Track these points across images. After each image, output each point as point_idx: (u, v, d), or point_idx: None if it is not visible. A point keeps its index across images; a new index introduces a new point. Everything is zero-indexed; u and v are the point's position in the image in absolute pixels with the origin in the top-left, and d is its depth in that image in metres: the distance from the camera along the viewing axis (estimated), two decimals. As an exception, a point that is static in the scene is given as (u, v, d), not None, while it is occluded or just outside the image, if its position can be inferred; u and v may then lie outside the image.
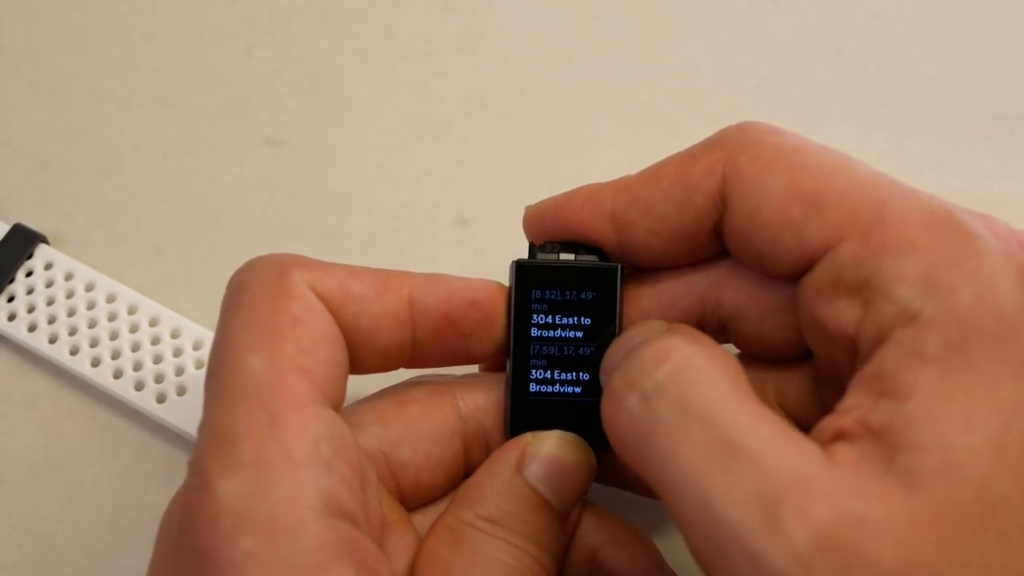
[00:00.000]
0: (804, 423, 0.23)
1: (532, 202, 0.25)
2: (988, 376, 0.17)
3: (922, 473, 0.16)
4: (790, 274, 0.21)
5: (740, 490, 0.17)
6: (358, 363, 0.22)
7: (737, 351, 0.24)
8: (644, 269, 0.24)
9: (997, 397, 0.17)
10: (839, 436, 0.18)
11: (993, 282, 0.18)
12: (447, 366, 0.24)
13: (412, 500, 0.23)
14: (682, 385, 0.18)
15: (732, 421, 0.17)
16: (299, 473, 0.19)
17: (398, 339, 0.23)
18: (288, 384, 0.19)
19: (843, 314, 0.19)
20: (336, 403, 0.21)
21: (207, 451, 0.19)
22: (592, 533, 0.24)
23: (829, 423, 0.18)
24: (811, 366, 0.23)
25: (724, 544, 0.16)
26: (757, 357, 0.24)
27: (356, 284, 0.22)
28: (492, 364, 0.26)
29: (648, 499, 0.25)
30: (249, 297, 0.21)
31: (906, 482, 0.16)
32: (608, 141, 0.34)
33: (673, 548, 0.28)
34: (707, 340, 0.20)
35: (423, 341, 0.23)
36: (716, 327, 0.24)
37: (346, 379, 0.21)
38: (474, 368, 0.26)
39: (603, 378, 0.22)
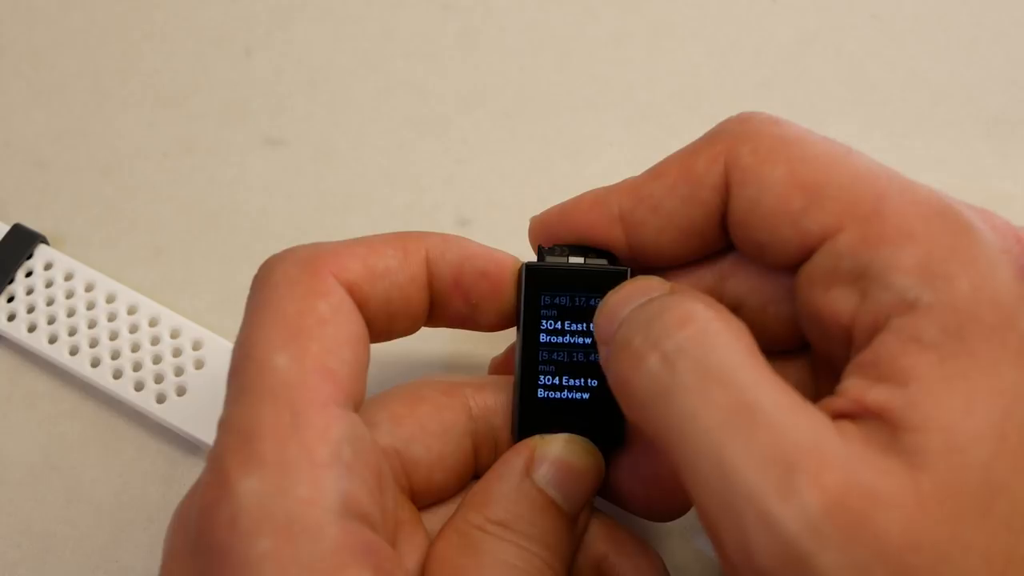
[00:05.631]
0: None
1: (532, 202, 0.25)
2: (987, 363, 0.17)
3: (926, 453, 0.17)
4: (789, 264, 0.21)
5: (757, 452, 0.17)
6: (393, 331, 0.23)
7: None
8: (653, 269, 0.24)
9: (996, 384, 0.17)
10: (839, 416, 0.18)
11: (991, 272, 0.18)
12: (459, 328, 0.24)
13: (423, 499, 0.23)
14: (703, 348, 0.18)
15: (751, 385, 0.17)
16: (319, 475, 0.18)
17: (425, 300, 0.23)
18: (312, 384, 0.19)
19: (839, 303, 0.19)
20: (357, 403, 0.21)
21: (227, 448, 0.19)
22: (599, 541, 0.24)
23: (825, 406, 0.18)
24: (809, 358, 0.23)
25: (736, 505, 0.17)
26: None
27: (379, 259, 0.22)
28: (502, 367, 0.26)
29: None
30: (276, 295, 0.21)
31: (911, 461, 0.17)
32: (608, 141, 0.34)
33: (677, 558, 0.28)
34: (723, 307, 0.20)
35: (435, 302, 0.23)
36: None
37: (366, 379, 0.22)
38: (483, 369, 0.27)
39: (602, 330, 0.21)
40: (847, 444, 0.17)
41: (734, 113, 0.22)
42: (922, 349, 0.17)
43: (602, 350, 0.21)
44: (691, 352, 0.18)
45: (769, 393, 0.17)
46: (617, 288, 0.22)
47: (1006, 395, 0.17)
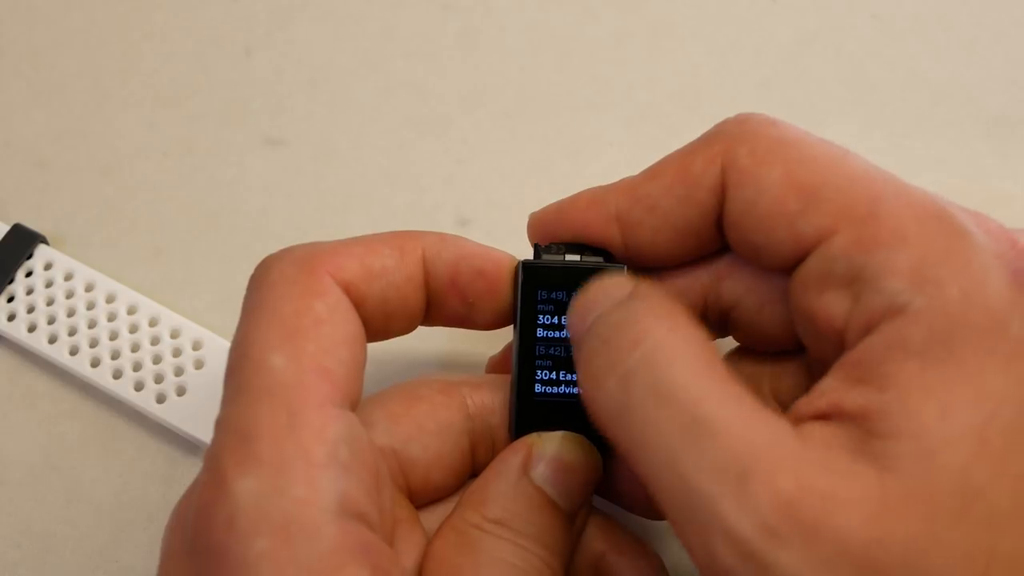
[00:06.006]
0: None
1: (532, 202, 0.25)
2: (972, 368, 0.17)
3: (895, 457, 0.17)
4: (785, 266, 0.21)
5: (711, 462, 0.17)
6: (390, 330, 0.23)
7: (737, 343, 0.25)
8: (649, 269, 0.24)
9: (981, 388, 0.17)
10: (815, 417, 0.18)
11: (983, 277, 0.18)
12: (456, 327, 0.24)
13: (420, 497, 0.23)
14: (654, 368, 0.18)
15: (702, 400, 0.18)
16: (316, 474, 0.19)
17: (422, 299, 0.23)
18: (309, 384, 0.19)
19: (832, 306, 0.19)
20: (354, 404, 0.21)
21: (224, 448, 0.19)
22: (597, 539, 0.24)
23: (804, 404, 0.19)
24: (805, 358, 0.23)
25: (696, 511, 0.17)
26: (755, 350, 0.24)
27: (376, 259, 0.22)
28: (499, 366, 0.26)
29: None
30: (273, 294, 0.21)
31: (879, 464, 0.17)
32: (608, 141, 0.34)
33: (675, 557, 0.28)
34: (676, 316, 0.20)
35: (432, 301, 0.23)
36: (717, 319, 0.24)
37: (363, 379, 0.22)
38: (481, 368, 0.27)
39: (571, 334, 0.22)
40: (805, 449, 0.17)
41: (733, 113, 0.22)
42: (906, 356, 0.18)
43: (575, 351, 0.21)
44: (642, 373, 0.19)
45: (721, 405, 0.18)
46: (584, 289, 0.22)
47: (991, 400, 0.17)
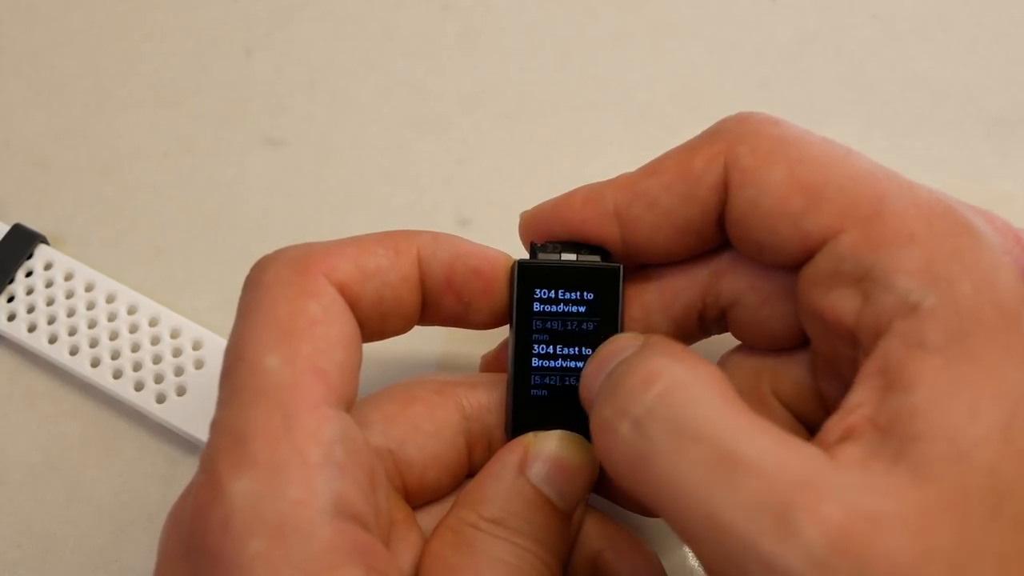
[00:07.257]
0: (799, 411, 0.23)
1: (532, 202, 0.24)
2: (991, 365, 0.17)
3: (932, 463, 0.16)
4: (790, 264, 0.21)
5: (746, 500, 0.16)
6: (385, 330, 0.23)
7: (736, 341, 0.25)
8: (647, 266, 0.24)
9: (1001, 385, 0.17)
10: (848, 434, 0.18)
11: (993, 274, 0.18)
12: (452, 327, 0.24)
13: (417, 498, 0.23)
14: (673, 407, 0.18)
15: (728, 435, 0.17)
16: (311, 475, 0.18)
17: (417, 299, 0.23)
18: (304, 385, 0.19)
19: (842, 304, 0.19)
20: (349, 404, 0.21)
21: (219, 449, 0.19)
22: (594, 538, 0.24)
23: (837, 422, 0.18)
24: (807, 354, 0.23)
25: (736, 555, 0.16)
26: (754, 346, 0.24)
27: (370, 259, 0.22)
28: (493, 364, 0.26)
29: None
30: (268, 296, 0.21)
31: (916, 473, 0.16)
32: (608, 141, 0.34)
33: (672, 555, 0.28)
34: (690, 355, 0.19)
35: (428, 300, 0.23)
36: (716, 316, 0.24)
37: (358, 379, 0.21)
38: (478, 368, 0.27)
39: (585, 400, 0.22)
40: (842, 472, 0.17)
41: (733, 113, 0.22)
42: (927, 354, 0.17)
43: (590, 419, 0.21)
44: (660, 413, 0.18)
45: (749, 439, 0.17)
46: (595, 353, 0.22)
47: (1011, 397, 0.17)
